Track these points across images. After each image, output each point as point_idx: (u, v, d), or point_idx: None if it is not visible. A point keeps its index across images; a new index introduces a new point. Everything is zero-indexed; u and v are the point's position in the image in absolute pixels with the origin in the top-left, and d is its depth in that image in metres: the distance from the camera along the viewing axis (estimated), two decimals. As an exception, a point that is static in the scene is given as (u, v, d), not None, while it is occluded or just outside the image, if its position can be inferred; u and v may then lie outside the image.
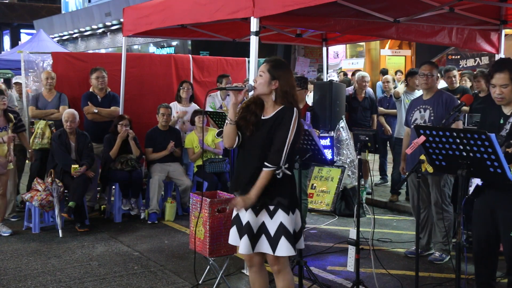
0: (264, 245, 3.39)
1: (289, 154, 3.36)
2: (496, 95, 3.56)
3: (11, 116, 6.30)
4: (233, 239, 3.55)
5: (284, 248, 3.34)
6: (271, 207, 3.38)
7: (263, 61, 3.53)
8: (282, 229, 3.34)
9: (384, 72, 12.86)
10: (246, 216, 3.43)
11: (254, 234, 3.41)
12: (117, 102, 7.43)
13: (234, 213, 3.56)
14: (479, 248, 3.70)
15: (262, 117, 3.45)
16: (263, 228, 3.39)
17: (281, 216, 3.36)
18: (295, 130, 3.35)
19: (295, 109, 3.36)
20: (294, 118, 3.33)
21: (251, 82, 4.08)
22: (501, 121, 3.59)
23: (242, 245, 3.42)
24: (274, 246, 3.36)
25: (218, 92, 7.79)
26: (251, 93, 3.56)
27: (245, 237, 3.40)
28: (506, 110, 3.60)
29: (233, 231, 3.54)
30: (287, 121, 3.32)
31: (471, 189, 3.79)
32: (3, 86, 8.28)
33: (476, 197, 3.68)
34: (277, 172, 3.32)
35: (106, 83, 7.34)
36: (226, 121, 3.46)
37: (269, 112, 3.43)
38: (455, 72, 7.44)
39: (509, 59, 3.77)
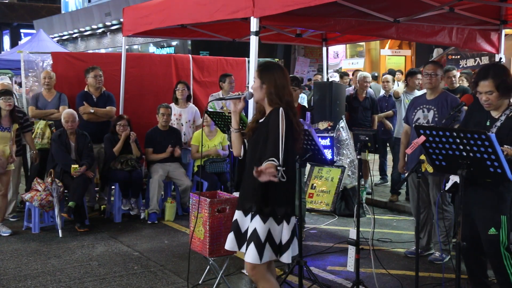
0: (244, 247, 3.43)
1: (286, 159, 3.26)
2: (483, 101, 3.63)
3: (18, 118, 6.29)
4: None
5: (250, 254, 3.32)
6: (253, 211, 3.36)
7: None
8: (254, 235, 3.32)
9: (392, 72, 12.65)
10: (235, 215, 3.49)
11: (241, 233, 3.44)
12: (113, 101, 7.39)
13: (235, 219, 3.56)
14: (466, 246, 3.72)
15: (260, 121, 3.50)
16: (247, 231, 3.42)
17: (257, 222, 3.32)
18: (286, 125, 3.27)
19: (280, 108, 3.31)
20: (280, 116, 3.28)
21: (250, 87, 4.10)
22: (488, 123, 3.65)
23: (228, 240, 3.50)
24: (246, 250, 3.37)
25: (220, 93, 7.79)
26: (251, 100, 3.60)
27: (231, 234, 3.48)
28: (494, 114, 3.68)
29: (232, 235, 3.56)
30: (274, 122, 3.29)
31: (448, 185, 3.82)
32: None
33: (450, 193, 3.74)
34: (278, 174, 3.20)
35: (102, 82, 7.32)
36: (231, 129, 3.54)
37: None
38: (455, 72, 7.43)
39: (493, 66, 3.82)
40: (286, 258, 3.41)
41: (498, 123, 3.60)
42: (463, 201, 3.37)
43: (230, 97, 3.57)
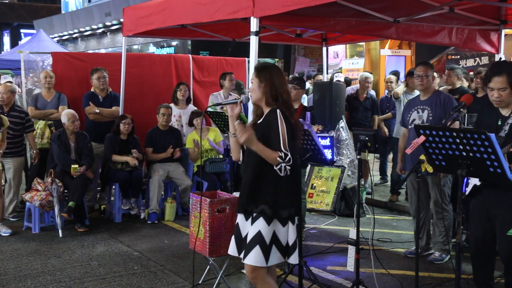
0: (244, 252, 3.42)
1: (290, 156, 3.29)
2: (495, 98, 3.56)
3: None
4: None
5: (253, 257, 3.27)
6: (254, 214, 3.34)
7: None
8: (258, 238, 3.29)
9: (396, 73, 12.57)
10: (237, 218, 3.47)
11: (241, 238, 3.41)
12: (118, 102, 7.45)
13: (236, 222, 3.55)
14: (477, 248, 3.70)
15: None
16: (248, 235, 3.39)
17: (260, 225, 3.30)
18: (286, 125, 3.29)
19: (277, 110, 3.32)
20: (278, 116, 3.29)
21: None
22: (499, 123, 3.61)
23: (230, 245, 3.50)
24: (246, 253, 3.33)
25: (221, 92, 7.80)
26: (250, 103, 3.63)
27: (233, 239, 3.46)
28: (504, 112, 3.62)
29: (233, 240, 3.56)
30: (273, 122, 3.30)
31: (468, 189, 3.78)
32: None
33: (473, 197, 3.69)
34: (278, 167, 3.22)
35: (107, 83, 7.37)
36: (229, 134, 3.53)
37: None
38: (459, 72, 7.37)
39: (507, 62, 3.78)
40: (293, 259, 3.40)
41: (510, 121, 3.57)
42: (461, 201, 3.36)
43: (227, 102, 3.60)
